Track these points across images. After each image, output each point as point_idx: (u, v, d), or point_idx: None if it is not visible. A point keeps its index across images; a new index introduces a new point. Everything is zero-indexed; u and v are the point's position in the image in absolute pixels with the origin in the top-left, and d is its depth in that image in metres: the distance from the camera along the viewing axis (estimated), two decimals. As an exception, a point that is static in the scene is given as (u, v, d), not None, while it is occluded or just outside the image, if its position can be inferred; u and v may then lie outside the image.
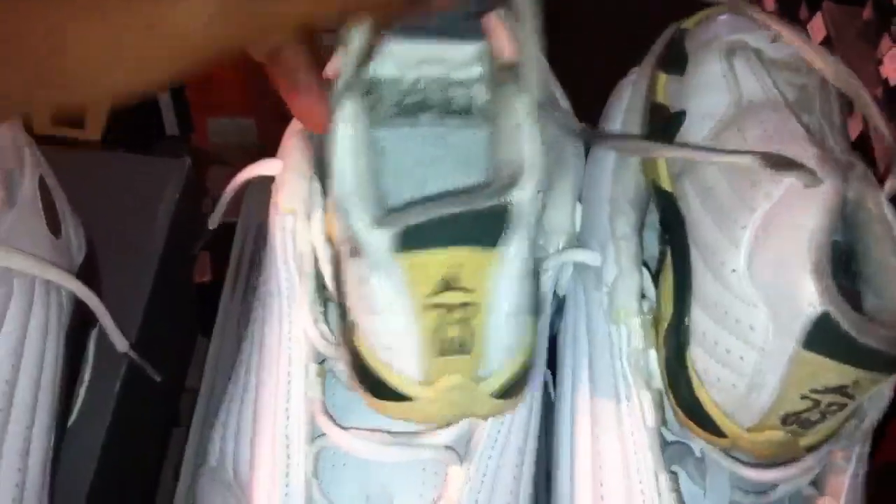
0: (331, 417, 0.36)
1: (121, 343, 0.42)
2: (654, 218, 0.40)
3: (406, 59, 0.35)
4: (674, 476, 0.36)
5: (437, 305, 0.30)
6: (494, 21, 0.34)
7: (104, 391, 0.46)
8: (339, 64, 0.34)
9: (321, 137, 0.38)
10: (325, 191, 0.37)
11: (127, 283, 0.48)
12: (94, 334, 0.45)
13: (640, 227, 0.39)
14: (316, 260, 0.36)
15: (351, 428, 0.36)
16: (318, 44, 0.34)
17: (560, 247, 0.39)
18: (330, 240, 0.35)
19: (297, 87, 0.33)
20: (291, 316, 0.37)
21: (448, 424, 0.36)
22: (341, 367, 0.36)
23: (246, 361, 0.40)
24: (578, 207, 0.41)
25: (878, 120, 0.36)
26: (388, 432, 0.36)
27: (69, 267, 0.42)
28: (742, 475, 0.35)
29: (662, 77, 0.40)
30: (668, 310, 0.36)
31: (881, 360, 0.31)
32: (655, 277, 0.38)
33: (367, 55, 0.34)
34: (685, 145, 0.37)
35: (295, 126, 0.40)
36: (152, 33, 0.26)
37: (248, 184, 0.60)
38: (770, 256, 0.32)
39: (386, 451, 0.35)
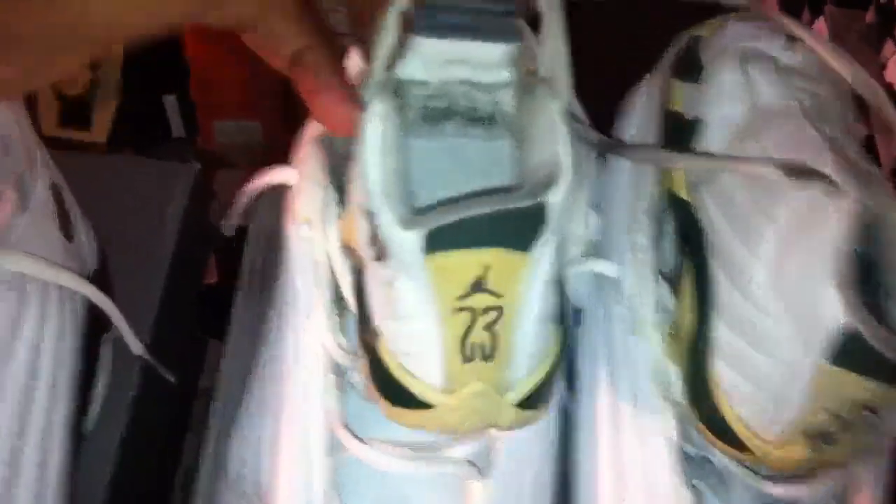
0: (350, 430, 0.36)
1: (136, 346, 0.42)
2: (670, 226, 0.40)
3: (433, 58, 0.34)
4: (696, 491, 0.36)
5: (464, 309, 0.30)
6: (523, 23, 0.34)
7: (119, 396, 0.46)
8: (369, 62, 0.33)
9: (335, 146, 0.38)
10: (341, 198, 0.36)
11: (137, 287, 0.48)
12: (107, 339, 0.45)
13: (659, 238, 0.39)
14: (332, 270, 0.36)
15: (370, 440, 0.36)
16: (339, 45, 0.34)
17: (576, 257, 0.39)
18: (347, 247, 0.35)
19: (319, 89, 0.32)
20: (308, 326, 0.37)
21: (469, 435, 0.35)
22: (359, 377, 0.36)
23: (263, 371, 0.40)
24: (592, 216, 0.40)
25: None
26: (409, 446, 0.36)
27: (82, 271, 0.42)
28: (764, 490, 0.35)
29: (677, 85, 0.39)
30: (688, 322, 0.36)
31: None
32: (673, 287, 0.38)
33: (398, 53, 0.33)
34: (704, 154, 0.37)
35: (309, 133, 0.40)
36: None
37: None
38: (793, 269, 0.32)
39: (407, 465, 0.35)
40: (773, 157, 0.34)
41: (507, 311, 0.30)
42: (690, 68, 0.39)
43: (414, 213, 0.31)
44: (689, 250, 0.37)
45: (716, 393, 0.35)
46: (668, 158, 0.37)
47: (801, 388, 0.32)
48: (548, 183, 0.30)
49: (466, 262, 0.29)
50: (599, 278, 0.40)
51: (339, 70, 0.33)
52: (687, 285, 0.36)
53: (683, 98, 0.39)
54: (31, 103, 0.41)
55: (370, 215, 0.31)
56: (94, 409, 0.45)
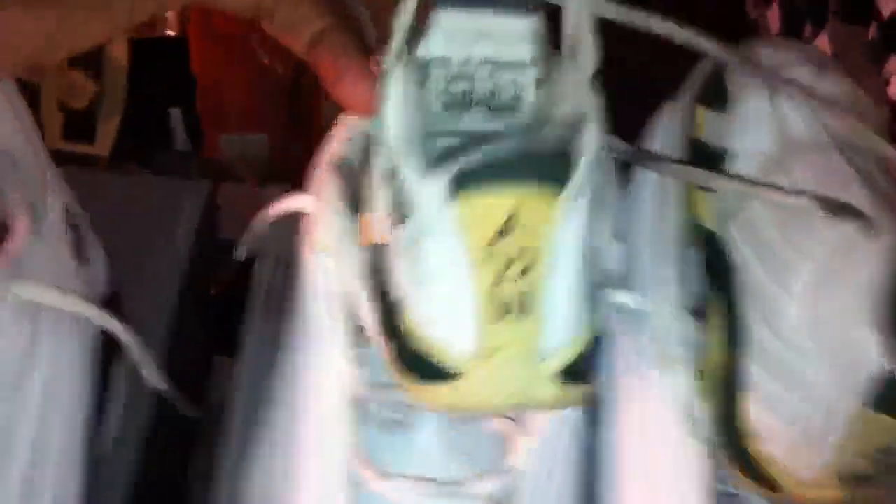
0: (368, 463, 0.35)
1: (153, 378, 0.41)
2: (695, 258, 0.39)
3: (456, 32, 0.33)
4: (726, 529, 0.36)
5: (494, 256, 0.29)
6: None
7: (132, 419, 0.45)
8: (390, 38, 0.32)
9: (353, 171, 0.37)
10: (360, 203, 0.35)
11: (148, 308, 0.48)
12: (119, 363, 0.44)
13: (684, 269, 0.38)
14: (351, 300, 0.36)
15: (391, 475, 0.35)
16: (357, 23, 0.33)
17: (600, 287, 0.38)
18: (368, 245, 0.34)
19: (340, 71, 0.32)
20: (326, 357, 0.36)
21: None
22: (378, 404, 0.35)
23: (279, 399, 0.39)
24: (616, 247, 0.40)
25: None
26: (430, 479, 0.35)
27: (94, 294, 0.41)
28: (796, 530, 0.35)
29: (702, 112, 0.39)
30: (717, 358, 0.35)
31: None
32: (700, 321, 0.37)
33: (418, 27, 0.33)
34: (740, 177, 0.36)
35: (326, 158, 0.39)
36: None
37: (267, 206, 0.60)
38: (828, 308, 0.31)
39: (428, 502, 0.34)
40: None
41: (540, 258, 0.29)
42: (717, 96, 0.38)
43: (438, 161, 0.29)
44: (716, 284, 0.36)
45: (747, 431, 0.34)
46: (702, 176, 0.36)
47: (836, 429, 0.31)
48: (576, 125, 0.29)
49: (494, 204, 0.28)
50: (623, 309, 0.39)
51: (359, 50, 0.32)
52: (715, 321, 0.36)
53: (709, 127, 0.38)
54: (34, 116, 0.41)
55: (392, 175, 0.30)
56: (108, 433, 0.44)
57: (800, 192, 0.33)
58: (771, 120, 0.36)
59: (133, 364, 0.42)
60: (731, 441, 0.35)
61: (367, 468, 0.35)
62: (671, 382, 0.37)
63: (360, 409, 0.36)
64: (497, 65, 0.33)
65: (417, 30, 0.33)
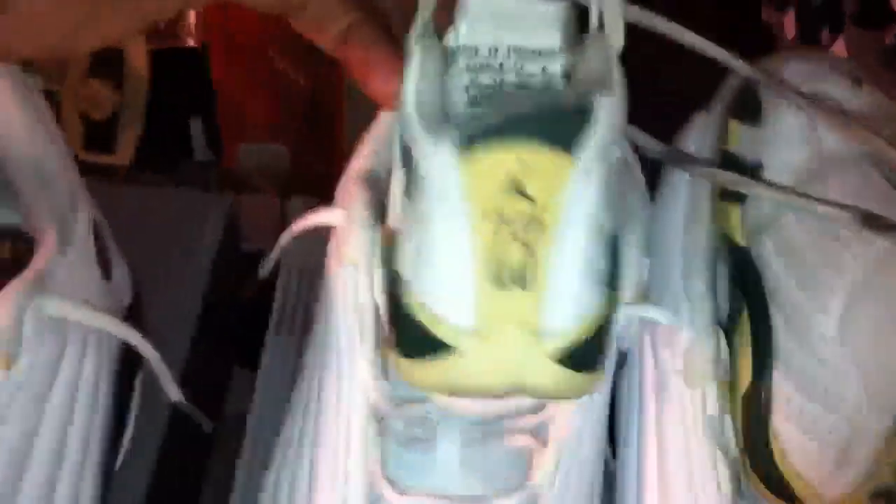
0: (390, 481, 0.35)
1: (174, 393, 0.41)
2: (723, 271, 0.38)
3: (482, 17, 0.32)
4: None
5: (497, 215, 0.27)
6: None
7: (148, 435, 0.45)
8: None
9: (381, 183, 0.37)
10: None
11: (170, 321, 0.48)
12: (139, 376, 0.44)
13: (715, 284, 0.38)
14: (378, 315, 0.35)
15: (411, 491, 0.35)
16: (390, 19, 0.33)
17: (628, 300, 0.38)
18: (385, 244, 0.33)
19: (370, 66, 0.32)
20: (351, 372, 0.36)
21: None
22: (401, 414, 0.35)
23: (301, 415, 0.39)
24: (645, 260, 0.39)
25: None
26: (451, 498, 0.34)
27: (118, 309, 0.41)
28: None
29: (735, 125, 0.38)
30: (746, 373, 0.35)
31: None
32: (727, 335, 0.37)
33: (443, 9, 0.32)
34: (776, 185, 0.35)
35: (354, 172, 0.39)
36: None
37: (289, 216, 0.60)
38: (864, 325, 0.31)
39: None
40: (842, 204, 0.33)
41: (546, 224, 0.27)
42: (749, 109, 0.38)
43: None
44: (746, 299, 0.36)
45: (774, 447, 0.34)
46: (737, 180, 0.36)
47: (867, 447, 0.31)
48: (596, 83, 0.28)
49: (500, 158, 0.27)
50: (647, 322, 0.39)
51: (389, 44, 0.32)
52: (744, 335, 0.35)
53: (742, 140, 0.38)
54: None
55: (407, 150, 0.29)
56: (125, 445, 0.44)
57: (838, 204, 0.33)
58: (805, 134, 0.36)
59: (152, 376, 0.42)
60: (759, 458, 0.34)
61: (387, 484, 0.35)
62: (699, 398, 0.36)
63: (381, 424, 0.36)
64: (525, 53, 0.32)
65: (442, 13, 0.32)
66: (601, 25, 0.31)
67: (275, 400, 0.49)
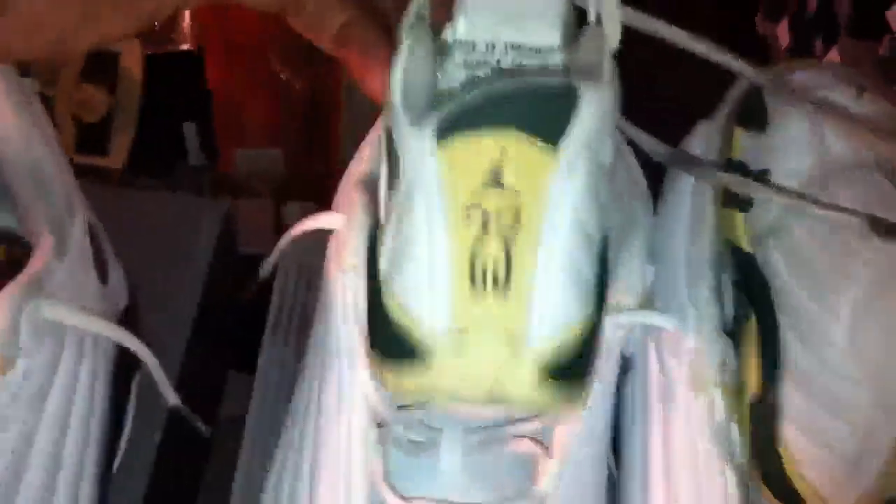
0: (392, 487, 0.35)
1: (171, 397, 0.41)
2: (729, 278, 0.38)
3: (479, 11, 0.31)
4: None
5: (475, 215, 0.26)
6: None
7: (145, 438, 0.45)
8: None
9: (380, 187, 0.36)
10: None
11: (166, 325, 0.47)
12: (136, 379, 0.44)
13: (720, 291, 0.37)
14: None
15: (411, 497, 0.34)
16: (388, 16, 0.33)
17: (632, 306, 0.38)
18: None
19: (370, 65, 0.31)
20: (351, 377, 0.35)
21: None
22: (403, 420, 0.34)
23: (302, 417, 0.38)
24: (649, 267, 0.39)
25: None
26: (452, 503, 0.34)
27: (114, 313, 0.41)
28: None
29: (740, 133, 0.38)
30: (753, 381, 0.34)
31: None
32: (734, 341, 0.37)
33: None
34: (784, 189, 0.35)
35: (352, 175, 0.38)
36: None
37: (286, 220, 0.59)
38: (873, 333, 0.31)
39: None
40: (847, 213, 0.33)
41: (528, 222, 0.26)
42: (755, 117, 0.37)
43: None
44: (753, 306, 0.35)
45: (783, 456, 0.33)
46: (744, 184, 0.35)
47: (878, 457, 0.31)
48: (584, 72, 0.27)
49: (479, 147, 0.26)
50: (654, 329, 0.38)
51: (387, 41, 0.31)
52: (750, 342, 0.35)
53: (747, 148, 0.37)
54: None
55: (391, 139, 0.28)
56: (122, 448, 0.44)
57: (846, 209, 0.32)
58: (812, 141, 0.36)
59: (148, 378, 0.41)
60: (765, 466, 0.34)
61: (389, 489, 0.34)
62: (706, 405, 0.36)
63: (382, 430, 0.35)
64: (523, 50, 0.31)
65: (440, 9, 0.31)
66: (598, 22, 0.31)
67: (273, 402, 0.48)
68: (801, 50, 0.73)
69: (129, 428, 0.44)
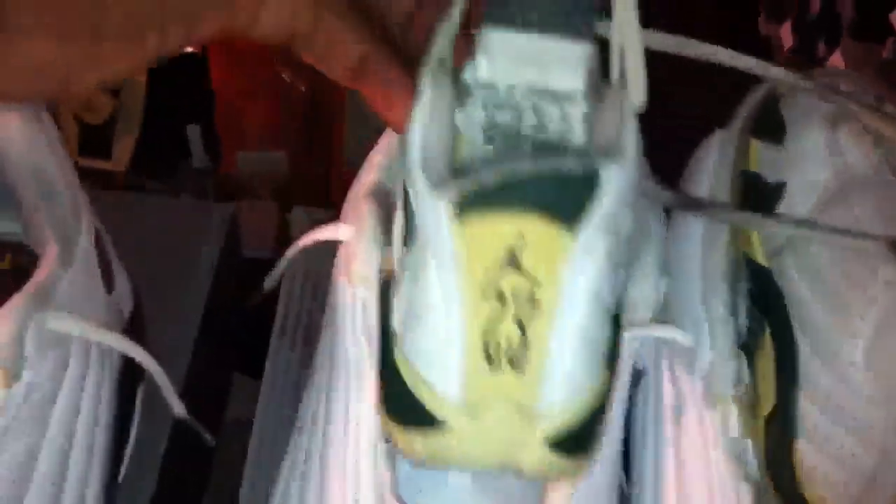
0: (399, 499, 0.34)
1: (178, 407, 0.40)
2: (744, 292, 0.38)
3: (503, 54, 0.30)
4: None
5: (493, 291, 0.26)
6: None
7: (150, 447, 0.44)
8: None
9: (391, 198, 0.36)
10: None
11: (171, 331, 0.47)
12: (141, 390, 0.43)
13: (735, 306, 0.37)
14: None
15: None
16: (402, 42, 0.32)
17: (645, 319, 0.37)
18: (386, 271, 0.33)
19: (394, 99, 0.31)
20: (360, 391, 0.35)
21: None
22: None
23: (310, 427, 0.38)
24: (662, 281, 0.38)
25: None
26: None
27: (119, 321, 0.41)
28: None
29: (755, 144, 0.38)
30: (768, 396, 0.34)
31: None
32: (748, 356, 0.36)
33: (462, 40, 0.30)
34: (795, 220, 0.35)
35: (362, 185, 0.38)
36: None
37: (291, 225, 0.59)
38: (892, 351, 0.30)
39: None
40: (866, 225, 0.32)
41: (543, 303, 0.26)
42: (771, 128, 0.37)
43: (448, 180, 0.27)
44: (767, 318, 0.35)
45: (798, 473, 0.33)
46: (755, 221, 0.35)
47: (895, 475, 0.30)
48: (605, 152, 0.27)
49: (497, 228, 0.25)
50: (667, 344, 0.38)
51: (407, 73, 0.31)
52: (766, 357, 0.35)
53: (763, 159, 0.37)
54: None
55: (407, 195, 0.27)
56: (128, 457, 0.44)
57: (862, 234, 0.32)
58: (829, 152, 0.35)
59: (153, 387, 0.41)
60: (780, 483, 0.34)
61: (397, 502, 0.34)
62: (720, 420, 0.36)
63: (391, 443, 0.35)
64: (544, 94, 0.31)
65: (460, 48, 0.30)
66: (622, 78, 0.30)
67: (279, 407, 0.48)
68: (804, 52, 0.73)
69: (135, 437, 0.44)
